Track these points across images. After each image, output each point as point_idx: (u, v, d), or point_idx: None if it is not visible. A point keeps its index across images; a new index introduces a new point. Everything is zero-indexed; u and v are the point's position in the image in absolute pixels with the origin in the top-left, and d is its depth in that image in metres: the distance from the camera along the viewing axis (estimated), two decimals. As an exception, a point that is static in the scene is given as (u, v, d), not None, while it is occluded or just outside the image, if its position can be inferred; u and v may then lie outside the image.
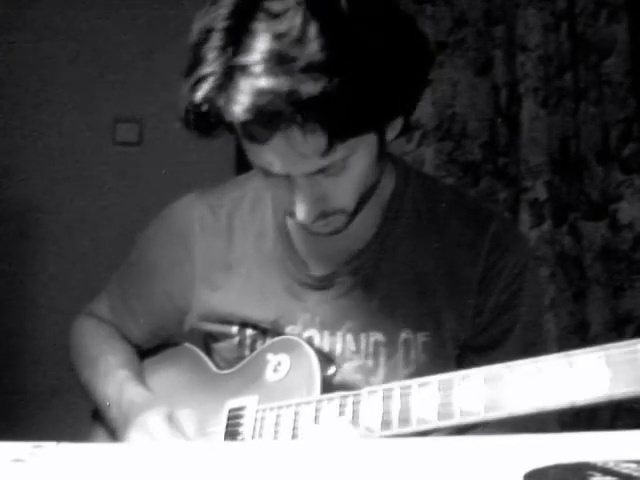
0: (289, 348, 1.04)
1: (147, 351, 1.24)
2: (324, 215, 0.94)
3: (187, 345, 1.20)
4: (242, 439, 1.00)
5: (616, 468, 0.61)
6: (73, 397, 1.24)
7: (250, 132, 0.85)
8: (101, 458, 0.73)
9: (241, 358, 1.09)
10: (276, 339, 1.06)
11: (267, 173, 0.91)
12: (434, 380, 0.87)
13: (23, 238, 2.59)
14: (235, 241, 1.12)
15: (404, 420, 0.87)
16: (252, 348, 1.09)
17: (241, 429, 1.01)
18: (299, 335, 1.06)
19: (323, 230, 0.98)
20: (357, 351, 1.04)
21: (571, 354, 0.79)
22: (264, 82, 0.79)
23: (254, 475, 0.67)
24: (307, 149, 0.84)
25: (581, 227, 2.42)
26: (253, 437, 0.99)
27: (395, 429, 0.87)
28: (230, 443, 1.00)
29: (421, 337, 1.04)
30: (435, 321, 1.04)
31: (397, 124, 0.94)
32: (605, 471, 0.60)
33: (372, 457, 0.72)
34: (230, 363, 1.11)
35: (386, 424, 0.88)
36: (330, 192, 0.92)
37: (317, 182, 0.90)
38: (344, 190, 0.94)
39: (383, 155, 0.97)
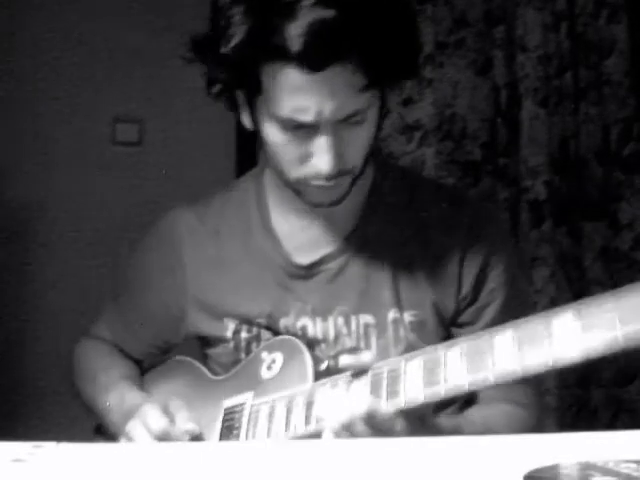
0: (283, 346, 1.07)
1: (146, 368, 1.25)
2: (340, 172, 0.99)
3: (183, 357, 1.22)
4: (237, 434, 1.02)
5: (616, 468, 0.61)
6: (73, 397, 1.24)
7: (308, 58, 0.90)
8: (101, 458, 0.73)
9: (237, 362, 1.12)
10: (271, 340, 1.09)
11: (290, 126, 0.96)
12: (420, 355, 0.89)
13: (23, 238, 2.59)
14: (223, 241, 1.15)
15: (393, 393, 0.88)
16: (247, 351, 1.11)
17: (236, 424, 1.03)
18: (293, 326, 1.08)
19: (325, 199, 1.02)
20: (349, 333, 1.08)
21: (547, 315, 0.80)
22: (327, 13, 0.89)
23: (252, 475, 0.67)
24: (350, 85, 0.93)
25: (581, 227, 2.42)
26: (248, 430, 1.01)
27: (384, 405, 0.88)
28: (229, 442, 1.00)
29: (408, 316, 1.07)
30: (419, 299, 1.08)
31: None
32: (605, 471, 0.60)
33: (372, 457, 0.73)
34: (227, 368, 1.13)
35: (375, 400, 0.88)
36: (348, 146, 0.98)
37: (341, 130, 0.96)
38: (359, 144, 1.00)
39: (380, 126, 1.04)
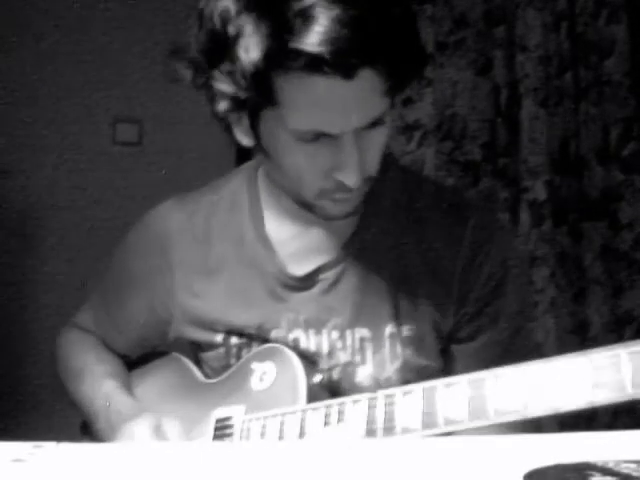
0: (275, 356, 1.02)
1: (136, 361, 1.22)
2: (364, 182, 0.93)
3: (175, 354, 1.19)
4: None
5: (616, 468, 0.61)
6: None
7: (338, 64, 0.82)
8: (101, 458, 0.73)
9: (228, 367, 1.08)
10: (261, 347, 1.05)
11: (309, 138, 0.89)
12: (418, 388, 0.86)
13: (23, 238, 2.60)
14: (214, 246, 1.09)
15: (388, 429, 0.86)
16: (238, 356, 1.07)
17: (227, 439, 1.00)
18: (284, 338, 1.04)
19: (342, 211, 0.97)
20: (343, 348, 1.03)
21: (554, 359, 0.79)
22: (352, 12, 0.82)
23: (251, 476, 0.67)
24: (375, 89, 0.87)
25: (581, 227, 2.42)
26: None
27: (380, 438, 0.86)
28: (226, 445, 0.99)
29: (405, 331, 1.02)
30: (418, 314, 1.03)
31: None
32: (605, 471, 0.60)
33: (372, 457, 0.73)
34: (218, 372, 1.10)
35: (371, 433, 0.87)
36: (368, 152, 0.92)
37: (362, 137, 0.90)
38: (377, 149, 0.94)
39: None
